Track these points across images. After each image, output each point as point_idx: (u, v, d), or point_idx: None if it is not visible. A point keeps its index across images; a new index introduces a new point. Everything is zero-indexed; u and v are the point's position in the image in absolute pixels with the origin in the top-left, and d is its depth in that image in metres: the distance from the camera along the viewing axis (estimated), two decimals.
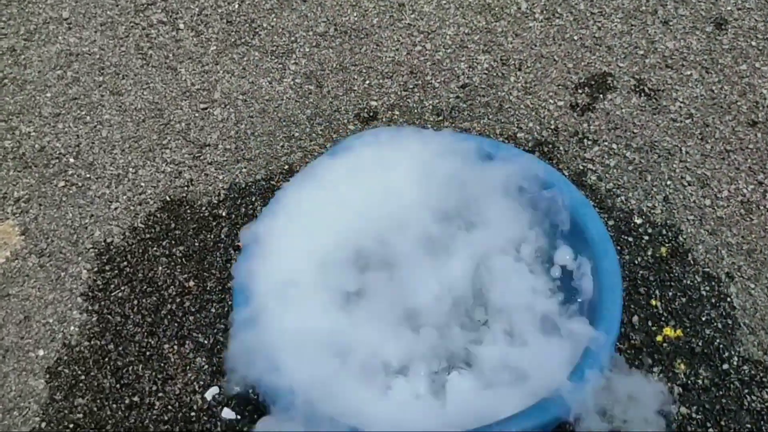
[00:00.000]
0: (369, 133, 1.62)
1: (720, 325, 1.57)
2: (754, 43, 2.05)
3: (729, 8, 2.13)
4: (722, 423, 1.45)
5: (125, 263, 1.77)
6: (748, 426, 1.44)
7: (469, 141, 1.59)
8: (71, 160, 1.97)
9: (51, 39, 2.24)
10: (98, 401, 1.57)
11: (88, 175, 1.94)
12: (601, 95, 1.97)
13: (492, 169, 1.52)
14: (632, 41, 2.08)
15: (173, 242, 1.80)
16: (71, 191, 1.91)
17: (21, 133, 2.04)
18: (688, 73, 2.00)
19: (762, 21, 2.09)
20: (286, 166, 1.90)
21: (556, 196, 1.44)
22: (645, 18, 2.13)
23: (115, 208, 1.87)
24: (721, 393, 1.49)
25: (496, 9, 2.20)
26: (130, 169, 1.94)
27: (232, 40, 2.20)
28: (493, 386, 1.34)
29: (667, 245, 1.70)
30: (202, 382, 1.58)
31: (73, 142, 2.01)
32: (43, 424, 1.54)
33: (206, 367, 1.60)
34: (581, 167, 1.84)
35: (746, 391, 1.49)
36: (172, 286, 1.72)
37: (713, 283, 1.63)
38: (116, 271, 1.76)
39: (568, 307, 1.41)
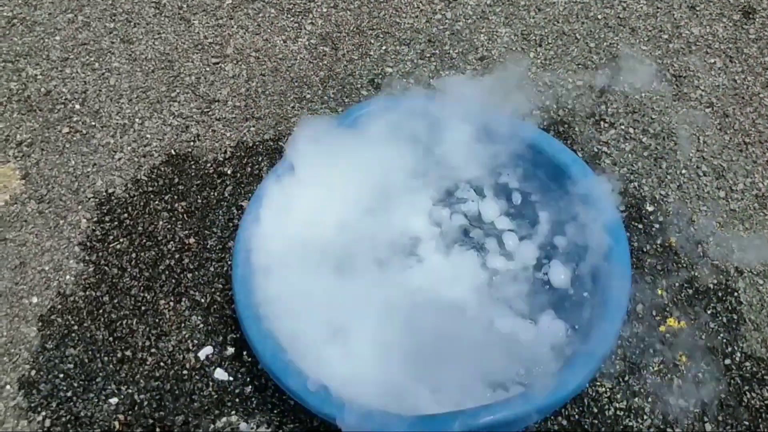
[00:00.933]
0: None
1: (725, 320, 1.55)
2: None
3: None
4: (719, 418, 1.43)
5: (125, 215, 1.74)
6: (746, 423, 1.42)
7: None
8: (77, 106, 1.93)
9: None
10: (90, 353, 1.55)
11: (93, 123, 1.90)
12: (621, 77, 1.92)
13: None
14: (657, 24, 2.03)
15: (176, 197, 1.77)
16: (75, 138, 1.88)
17: (27, 75, 2.00)
18: (712, 60, 1.95)
19: None
20: (296, 128, 1.86)
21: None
22: (672, 1, 2.08)
23: (119, 159, 1.84)
24: (721, 388, 1.47)
25: None
26: (137, 120, 1.90)
27: None
28: None
29: (677, 235, 1.66)
30: (196, 341, 1.56)
31: (80, 88, 1.97)
32: (33, 372, 1.52)
33: (201, 326, 1.57)
34: (596, 149, 1.80)
35: (747, 387, 1.47)
36: (171, 242, 1.70)
37: (721, 276, 1.60)
38: (116, 223, 1.73)
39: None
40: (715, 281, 1.60)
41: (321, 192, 1.48)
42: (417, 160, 1.59)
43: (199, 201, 1.76)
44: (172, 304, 1.61)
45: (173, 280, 1.64)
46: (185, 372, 1.52)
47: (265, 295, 1.31)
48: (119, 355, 1.54)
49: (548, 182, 1.54)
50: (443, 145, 1.58)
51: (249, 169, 1.80)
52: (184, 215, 1.74)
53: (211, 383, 1.50)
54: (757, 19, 2.03)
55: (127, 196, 1.77)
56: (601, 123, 1.84)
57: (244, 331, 1.34)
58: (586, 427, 1.42)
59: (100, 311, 1.60)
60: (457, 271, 1.49)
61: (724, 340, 1.52)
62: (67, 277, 1.65)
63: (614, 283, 1.28)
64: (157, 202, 1.76)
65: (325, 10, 2.10)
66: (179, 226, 1.72)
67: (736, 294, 1.58)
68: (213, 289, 1.63)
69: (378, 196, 1.54)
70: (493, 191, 1.61)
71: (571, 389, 1.15)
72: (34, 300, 1.63)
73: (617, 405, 1.45)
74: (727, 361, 1.50)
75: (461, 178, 1.63)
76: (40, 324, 1.59)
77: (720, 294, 1.58)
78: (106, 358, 1.54)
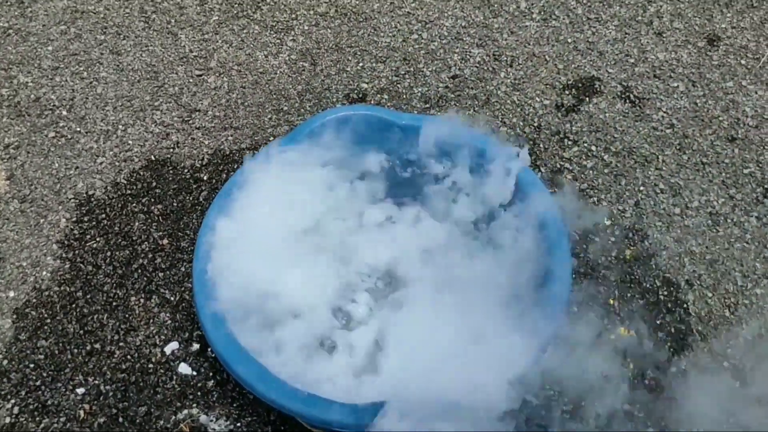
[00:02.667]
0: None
1: (673, 330, 1.60)
2: (743, 62, 2.07)
3: (723, 26, 2.15)
4: (662, 423, 1.48)
5: (103, 216, 1.81)
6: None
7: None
8: (64, 112, 2.01)
9: None
10: (60, 345, 1.61)
11: (78, 129, 1.98)
12: (586, 98, 2.00)
13: None
14: (624, 49, 2.11)
15: (153, 200, 1.84)
16: (60, 142, 1.95)
17: (19, 82, 2.09)
18: (675, 84, 2.02)
19: (754, 41, 2.12)
20: (272, 138, 1.94)
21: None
22: (639, 28, 2.16)
23: (101, 163, 1.91)
24: (665, 395, 1.52)
25: (496, 6, 2.23)
26: (120, 127, 1.98)
27: (235, 12, 2.24)
28: None
29: (632, 248, 1.73)
30: (163, 337, 1.62)
31: (68, 95, 2.05)
32: (5, 362, 1.58)
33: (169, 322, 1.64)
34: (559, 165, 1.87)
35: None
36: (146, 242, 1.76)
37: (672, 289, 1.66)
38: (94, 223, 1.80)
39: None
40: (666, 293, 1.66)
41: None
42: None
43: (175, 204, 1.83)
44: (142, 301, 1.67)
45: (145, 279, 1.70)
46: (151, 366, 1.58)
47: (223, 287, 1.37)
48: (88, 347, 1.60)
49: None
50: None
51: (224, 175, 1.87)
52: (160, 217, 1.81)
53: (174, 377, 1.56)
54: (720, 47, 2.10)
55: (106, 198, 1.85)
56: (565, 140, 1.92)
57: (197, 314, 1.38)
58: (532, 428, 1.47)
59: (73, 306, 1.66)
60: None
61: (672, 350, 1.57)
62: (44, 273, 1.72)
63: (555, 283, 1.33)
64: (134, 205, 1.83)
65: (306, 27, 2.18)
66: (154, 227, 1.79)
67: (685, 306, 1.64)
68: (183, 288, 1.69)
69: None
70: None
71: None
72: (11, 294, 1.69)
73: (563, 408, 1.50)
74: (673, 369, 1.55)
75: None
76: (14, 316, 1.65)
77: (669, 305, 1.64)
78: (75, 350, 1.60)
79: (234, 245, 1.42)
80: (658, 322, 1.62)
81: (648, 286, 1.67)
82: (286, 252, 1.50)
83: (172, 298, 1.67)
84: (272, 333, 1.41)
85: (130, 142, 1.95)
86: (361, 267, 1.61)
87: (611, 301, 1.64)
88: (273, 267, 1.46)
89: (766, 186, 1.82)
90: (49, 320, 1.65)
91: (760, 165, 1.86)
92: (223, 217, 1.46)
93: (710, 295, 1.65)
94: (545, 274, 1.37)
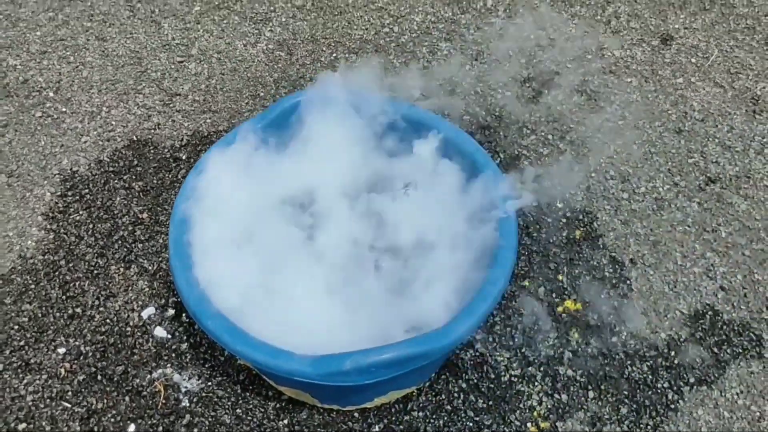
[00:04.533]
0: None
1: (616, 304, 1.73)
2: (693, 60, 2.21)
3: (677, 26, 2.29)
4: (602, 387, 1.60)
5: (86, 191, 1.92)
6: (625, 392, 1.60)
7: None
8: (51, 94, 2.12)
9: None
10: (44, 309, 1.71)
11: (64, 110, 2.08)
12: (545, 91, 2.13)
13: None
14: (583, 46, 2.24)
15: (134, 177, 1.94)
16: (47, 122, 2.06)
17: (8, 65, 2.19)
18: (629, 80, 2.16)
19: (704, 41, 2.26)
20: None
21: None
22: (598, 27, 2.29)
23: (85, 141, 2.02)
24: (606, 362, 1.64)
25: (464, 3, 2.36)
26: (104, 108, 2.09)
27: (216, 3, 2.35)
28: None
29: (581, 229, 1.85)
30: (141, 303, 1.73)
31: (55, 78, 2.15)
32: None
33: (147, 289, 1.74)
34: (516, 152, 1.99)
35: (629, 362, 1.64)
36: (126, 216, 1.87)
37: (617, 266, 1.79)
38: (77, 197, 1.91)
39: None
40: (611, 270, 1.78)
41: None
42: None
43: (155, 181, 1.93)
44: (122, 269, 1.78)
45: (125, 249, 1.81)
46: (128, 329, 1.69)
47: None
48: (70, 311, 1.71)
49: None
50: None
51: (202, 155, 1.98)
52: (140, 193, 1.91)
53: (150, 339, 1.67)
54: (673, 46, 2.24)
55: (90, 174, 1.95)
56: (524, 129, 2.04)
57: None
58: (482, 390, 1.59)
59: (56, 273, 1.77)
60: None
61: (613, 321, 1.70)
62: (29, 242, 1.82)
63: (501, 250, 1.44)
64: (116, 181, 1.94)
65: (284, 19, 2.30)
66: (135, 202, 1.89)
67: (628, 282, 1.77)
68: (160, 259, 1.80)
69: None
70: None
71: (452, 339, 1.31)
72: None
73: (512, 372, 1.62)
74: (614, 339, 1.67)
75: None
76: (0, 282, 1.75)
77: (614, 281, 1.77)
78: (57, 314, 1.70)
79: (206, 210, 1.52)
80: (602, 296, 1.74)
81: (595, 263, 1.80)
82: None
83: (150, 268, 1.78)
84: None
85: (114, 122, 2.06)
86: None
87: (560, 277, 1.77)
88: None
89: (708, 175, 1.96)
90: (33, 286, 1.75)
91: (704, 155, 1.99)
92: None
93: (652, 272, 1.78)
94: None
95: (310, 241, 1.62)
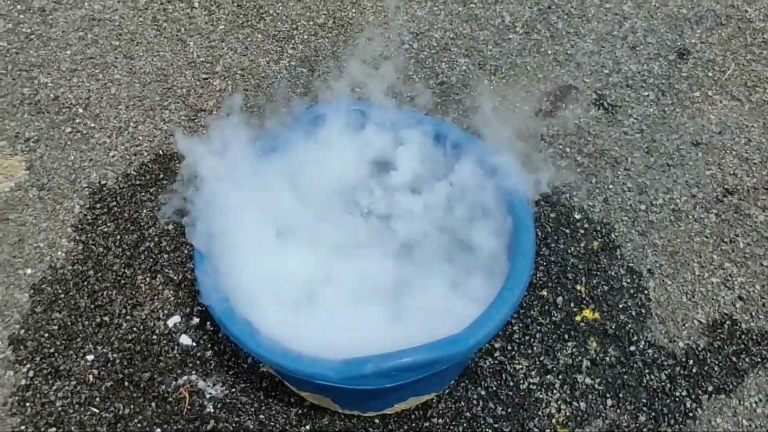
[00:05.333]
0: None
1: (634, 313, 1.74)
2: (710, 74, 2.23)
3: (693, 41, 2.32)
4: (620, 395, 1.62)
5: (114, 203, 1.97)
6: (644, 401, 1.61)
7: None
8: (80, 110, 2.18)
9: (78, 4, 2.47)
10: (73, 317, 1.76)
11: (93, 125, 2.15)
12: (563, 105, 2.16)
13: None
14: (600, 60, 2.27)
15: (160, 190, 2.00)
16: (76, 137, 2.12)
17: (39, 82, 2.26)
18: (646, 93, 2.19)
19: (721, 55, 2.28)
20: None
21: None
22: (615, 42, 2.33)
23: (113, 156, 2.07)
24: (624, 370, 1.66)
25: (482, 20, 2.40)
26: (131, 124, 2.15)
27: (240, 21, 2.42)
28: None
29: (599, 240, 1.87)
30: (166, 311, 1.77)
31: (84, 95, 2.22)
32: (22, 331, 1.74)
33: (172, 298, 1.79)
34: (534, 165, 2.02)
35: (647, 371, 1.66)
36: (153, 227, 1.92)
37: (634, 277, 1.81)
38: (105, 209, 1.96)
39: None
40: (629, 280, 1.80)
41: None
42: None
43: None
44: (148, 279, 1.83)
45: (151, 260, 1.86)
46: (155, 337, 1.73)
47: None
48: (98, 320, 1.76)
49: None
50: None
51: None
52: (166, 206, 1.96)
53: (176, 347, 1.71)
54: (690, 60, 2.27)
55: (117, 187, 2.01)
56: (542, 142, 2.07)
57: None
58: (501, 397, 1.61)
59: (85, 283, 1.82)
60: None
61: (632, 330, 1.72)
62: (59, 253, 1.88)
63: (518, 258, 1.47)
64: (143, 194, 1.99)
65: (306, 37, 2.36)
66: (160, 214, 1.94)
67: (646, 292, 1.78)
68: (185, 269, 1.84)
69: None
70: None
71: (470, 344, 1.34)
72: (29, 271, 1.85)
73: (531, 380, 1.64)
74: (632, 348, 1.69)
75: None
76: (31, 291, 1.81)
77: (632, 291, 1.78)
78: (86, 322, 1.75)
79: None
80: (620, 305, 1.76)
81: (613, 273, 1.81)
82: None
83: (176, 277, 1.82)
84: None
85: (141, 137, 2.12)
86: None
87: (578, 287, 1.79)
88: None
89: (726, 186, 1.97)
90: (62, 295, 1.80)
91: (721, 167, 2.01)
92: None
93: (670, 283, 1.80)
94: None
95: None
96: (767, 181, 1.98)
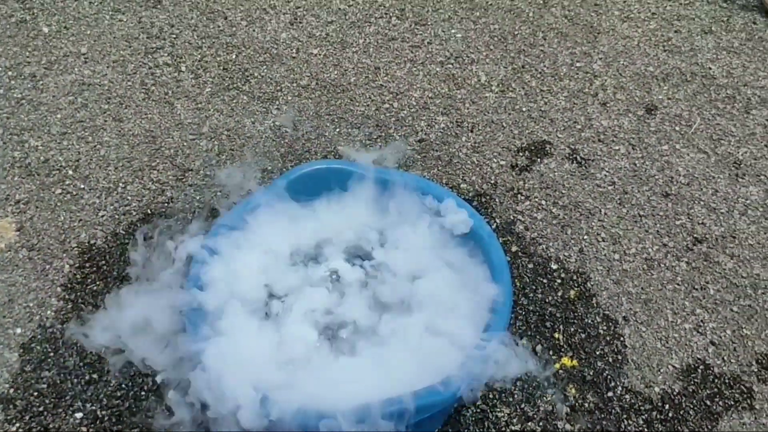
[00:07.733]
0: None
1: (611, 360, 1.80)
2: (677, 128, 2.33)
3: (660, 97, 2.43)
4: None
5: (103, 262, 2.02)
6: None
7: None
8: (70, 172, 2.24)
9: (68, 69, 2.55)
10: (62, 375, 1.79)
11: (82, 186, 2.21)
12: (538, 159, 2.25)
13: None
14: (572, 117, 2.37)
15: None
16: (66, 198, 2.18)
17: (30, 146, 2.32)
18: (617, 147, 2.28)
19: (687, 110, 2.39)
20: None
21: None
22: (586, 99, 2.43)
23: (102, 216, 2.13)
24: (603, 416, 1.70)
25: (459, 79, 2.50)
26: (120, 184, 2.21)
27: (226, 84, 2.50)
28: None
29: (576, 289, 1.94)
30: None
31: (74, 157, 2.28)
32: (11, 390, 1.76)
33: None
34: (512, 218, 2.10)
35: (624, 416, 1.70)
36: None
37: (610, 324, 1.87)
38: (95, 268, 2.01)
39: None
40: (605, 327, 1.86)
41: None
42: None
43: None
44: None
45: None
46: (143, 393, 1.76)
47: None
48: (87, 377, 1.79)
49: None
50: None
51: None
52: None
53: (164, 403, 1.74)
54: (657, 115, 2.37)
55: (106, 246, 2.06)
56: (518, 196, 2.15)
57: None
58: None
59: (74, 341, 1.85)
60: None
61: (609, 377, 1.77)
62: (49, 312, 1.92)
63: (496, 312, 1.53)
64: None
65: (290, 98, 2.45)
66: None
67: (622, 339, 1.84)
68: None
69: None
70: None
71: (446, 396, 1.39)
72: (18, 330, 1.88)
73: (513, 428, 1.68)
74: (610, 394, 1.74)
75: None
76: (21, 350, 1.84)
77: (608, 338, 1.84)
78: (75, 380, 1.78)
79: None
80: (597, 352, 1.81)
81: (589, 321, 1.87)
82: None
83: None
84: None
85: (129, 197, 2.17)
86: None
87: (556, 335, 1.84)
88: None
89: (695, 235, 2.05)
90: (52, 354, 1.83)
91: (691, 217, 2.09)
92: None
93: (644, 329, 1.86)
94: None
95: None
96: (734, 229, 2.07)
